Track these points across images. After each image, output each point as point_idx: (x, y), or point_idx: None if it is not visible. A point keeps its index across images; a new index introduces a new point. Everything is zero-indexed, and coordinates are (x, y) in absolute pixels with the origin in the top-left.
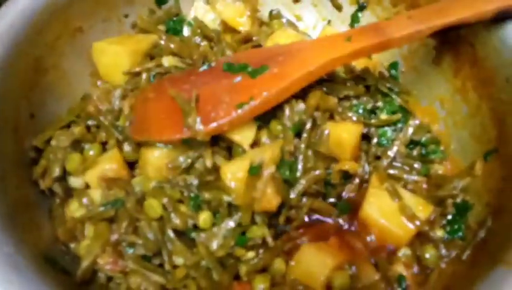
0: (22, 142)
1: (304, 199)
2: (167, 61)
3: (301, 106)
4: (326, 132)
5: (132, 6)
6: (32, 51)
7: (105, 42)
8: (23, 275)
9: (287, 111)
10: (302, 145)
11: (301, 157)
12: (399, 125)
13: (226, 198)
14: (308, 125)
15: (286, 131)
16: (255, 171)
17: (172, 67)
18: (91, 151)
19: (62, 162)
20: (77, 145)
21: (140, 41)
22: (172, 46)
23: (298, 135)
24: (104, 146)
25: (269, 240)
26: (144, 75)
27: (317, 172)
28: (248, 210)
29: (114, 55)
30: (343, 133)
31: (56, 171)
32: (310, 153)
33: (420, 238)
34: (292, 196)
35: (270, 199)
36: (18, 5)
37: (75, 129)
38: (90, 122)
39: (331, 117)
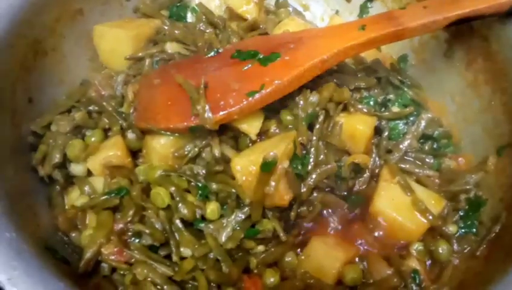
0: (20, 127)
1: (315, 193)
2: (170, 47)
3: (315, 97)
4: (340, 123)
5: None
6: (31, 33)
7: (106, 26)
8: (26, 260)
9: (301, 102)
10: (314, 138)
11: (312, 150)
12: (411, 118)
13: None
14: (321, 117)
15: (299, 122)
16: (268, 168)
17: (176, 53)
18: (93, 137)
19: (62, 148)
20: (77, 131)
21: (142, 25)
22: (176, 32)
23: (309, 127)
24: (106, 133)
25: (281, 235)
26: (147, 61)
27: (329, 166)
28: (259, 206)
29: (115, 39)
30: (358, 125)
31: (56, 158)
32: (321, 145)
33: (433, 233)
34: (303, 190)
35: (282, 194)
36: None
37: (76, 114)
38: (92, 108)
39: (344, 109)
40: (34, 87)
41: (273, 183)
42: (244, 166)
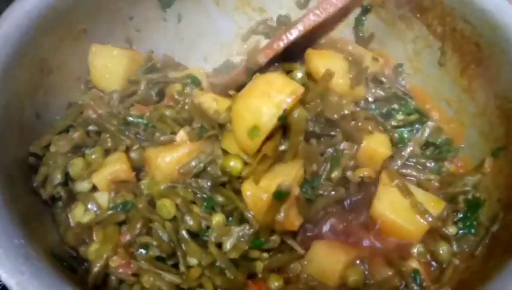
0: (28, 144)
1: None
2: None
3: None
4: (362, 145)
5: (136, 8)
6: (37, 52)
7: (103, 46)
8: (34, 265)
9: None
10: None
11: (323, 175)
12: (416, 126)
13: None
14: None
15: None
16: (281, 197)
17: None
18: (94, 155)
19: (63, 168)
20: (77, 150)
21: (137, 54)
22: None
23: None
24: (106, 151)
25: (298, 249)
26: (142, 84)
27: (339, 192)
28: (267, 231)
29: (109, 57)
30: (378, 148)
31: (57, 178)
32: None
33: (433, 235)
34: (311, 211)
35: (293, 220)
36: (24, 7)
37: (74, 134)
38: (91, 128)
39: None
40: (41, 104)
41: (283, 214)
42: (255, 193)
